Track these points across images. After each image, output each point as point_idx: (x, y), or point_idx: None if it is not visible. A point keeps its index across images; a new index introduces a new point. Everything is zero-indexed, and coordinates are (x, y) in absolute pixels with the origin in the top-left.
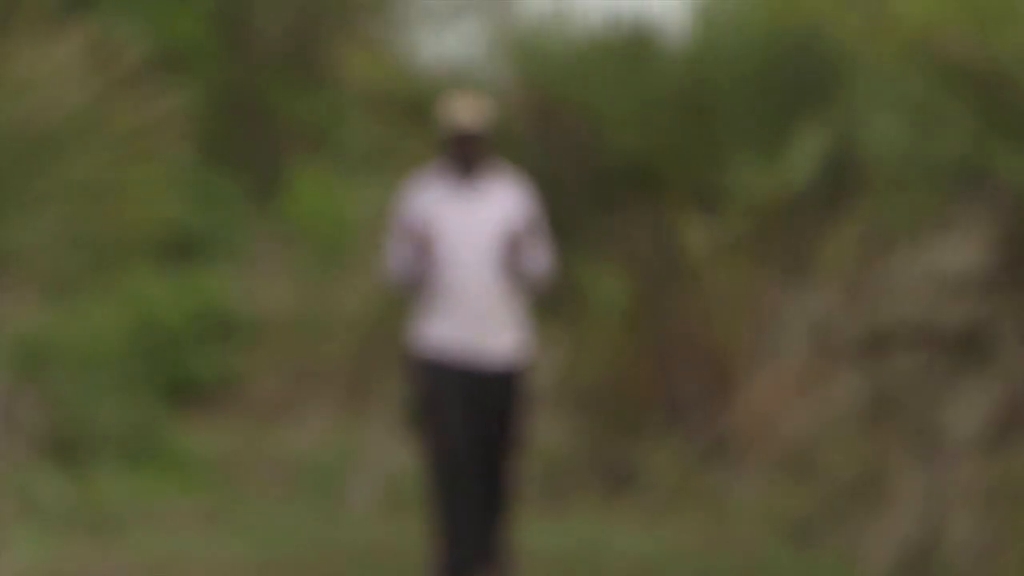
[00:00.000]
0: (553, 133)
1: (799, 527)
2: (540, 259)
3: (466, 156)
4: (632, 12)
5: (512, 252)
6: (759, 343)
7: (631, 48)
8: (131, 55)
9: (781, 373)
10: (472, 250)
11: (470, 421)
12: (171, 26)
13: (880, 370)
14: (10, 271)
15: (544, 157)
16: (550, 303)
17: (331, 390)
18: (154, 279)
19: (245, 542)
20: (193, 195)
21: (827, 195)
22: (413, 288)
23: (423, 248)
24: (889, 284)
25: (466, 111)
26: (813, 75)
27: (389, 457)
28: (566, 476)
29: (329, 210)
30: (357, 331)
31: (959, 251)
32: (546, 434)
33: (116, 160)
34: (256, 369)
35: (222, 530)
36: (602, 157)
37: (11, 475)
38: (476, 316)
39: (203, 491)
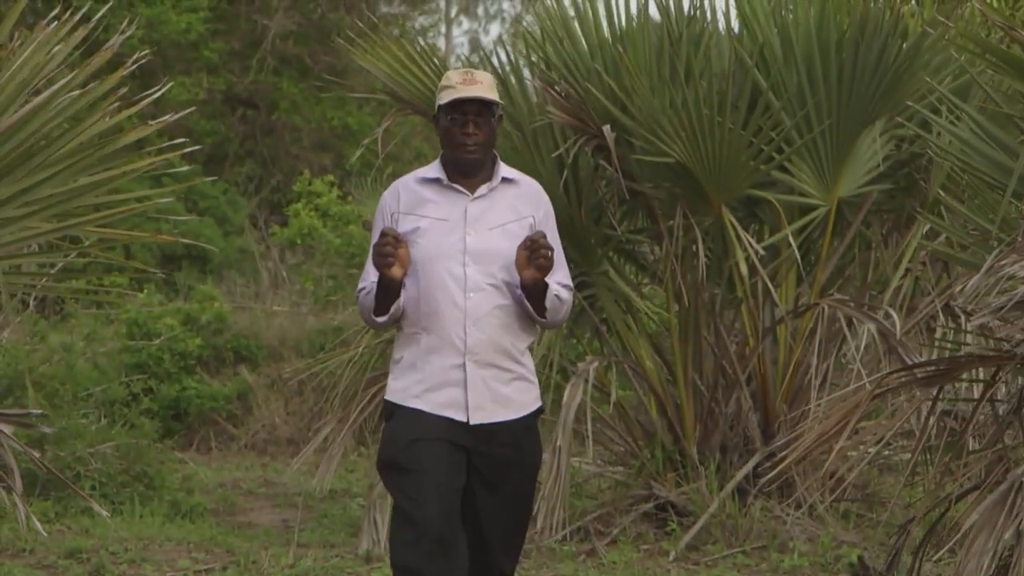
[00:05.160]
0: (585, 133)
1: (857, 565)
2: (560, 283)
3: (463, 138)
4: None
5: (528, 268)
6: (814, 367)
7: (671, 40)
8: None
9: (839, 399)
10: (464, 269)
11: (453, 500)
12: (173, 26)
13: (946, 396)
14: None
15: (575, 160)
16: (584, 323)
17: (342, 419)
18: (152, 300)
19: None
20: (196, 209)
21: (891, 205)
22: (386, 325)
23: (390, 268)
24: (958, 303)
25: (467, 79)
26: (877, 70)
27: None
28: (603, 511)
29: (339, 223)
30: (369, 354)
31: None
32: (581, 467)
33: (111, 169)
34: (262, 397)
35: (223, 571)
36: (640, 160)
37: (0, 513)
38: (469, 359)
39: (204, 529)
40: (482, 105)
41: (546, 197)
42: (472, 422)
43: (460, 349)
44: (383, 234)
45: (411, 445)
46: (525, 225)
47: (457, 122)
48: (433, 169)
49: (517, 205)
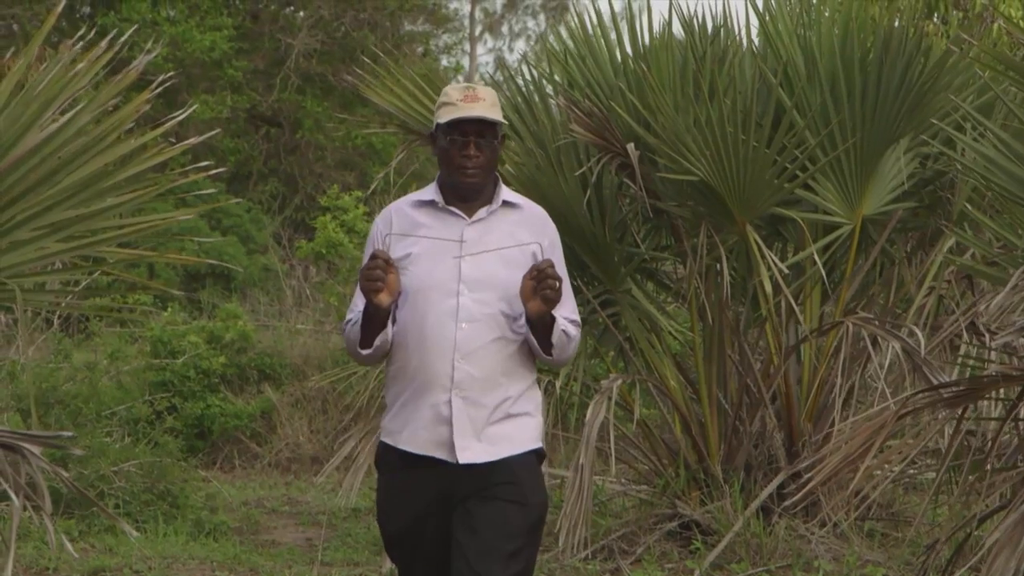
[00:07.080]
0: (609, 151)
1: None
2: (567, 318)
3: (463, 160)
4: (697, 17)
5: (534, 299)
6: (839, 385)
7: (695, 58)
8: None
9: (864, 419)
10: (458, 299)
11: (446, 549)
12: (197, 45)
13: (971, 415)
14: (17, 311)
15: (599, 178)
16: (608, 341)
17: (367, 434)
18: (176, 318)
19: None
20: (219, 227)
21: (915, 223)
22: (372, 360)
23: (377, 294)
24: (982, 321)
25: (468, 96)
26: (901, 88)
27: None
28: (627, 529)
29: (364, 240)
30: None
31: None
32: (605, 485)
33: (135, 189)
34: (286, 415)
35: None
36: (664, 178)
37: (24, 532)
38: (456, 395)
39: (227, 548)
40: (484, 125)
41: (552, 225)
42: (460, 461)
43: (446, 385)
44: (373, 256)
45: (400, 542)
46: (527, 252)
47: (456, 143)
48: (429, 191)
49: (517, 231)
